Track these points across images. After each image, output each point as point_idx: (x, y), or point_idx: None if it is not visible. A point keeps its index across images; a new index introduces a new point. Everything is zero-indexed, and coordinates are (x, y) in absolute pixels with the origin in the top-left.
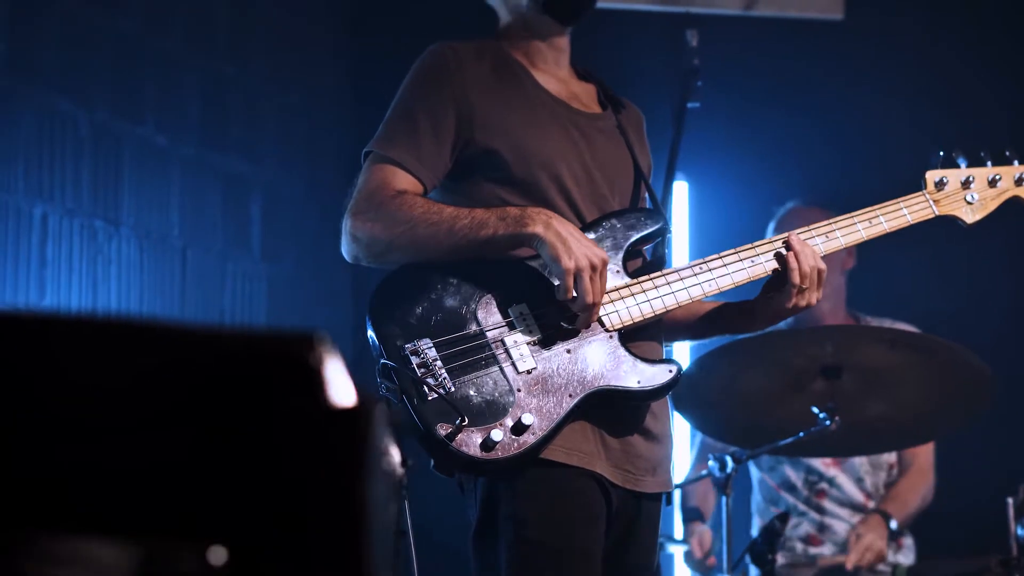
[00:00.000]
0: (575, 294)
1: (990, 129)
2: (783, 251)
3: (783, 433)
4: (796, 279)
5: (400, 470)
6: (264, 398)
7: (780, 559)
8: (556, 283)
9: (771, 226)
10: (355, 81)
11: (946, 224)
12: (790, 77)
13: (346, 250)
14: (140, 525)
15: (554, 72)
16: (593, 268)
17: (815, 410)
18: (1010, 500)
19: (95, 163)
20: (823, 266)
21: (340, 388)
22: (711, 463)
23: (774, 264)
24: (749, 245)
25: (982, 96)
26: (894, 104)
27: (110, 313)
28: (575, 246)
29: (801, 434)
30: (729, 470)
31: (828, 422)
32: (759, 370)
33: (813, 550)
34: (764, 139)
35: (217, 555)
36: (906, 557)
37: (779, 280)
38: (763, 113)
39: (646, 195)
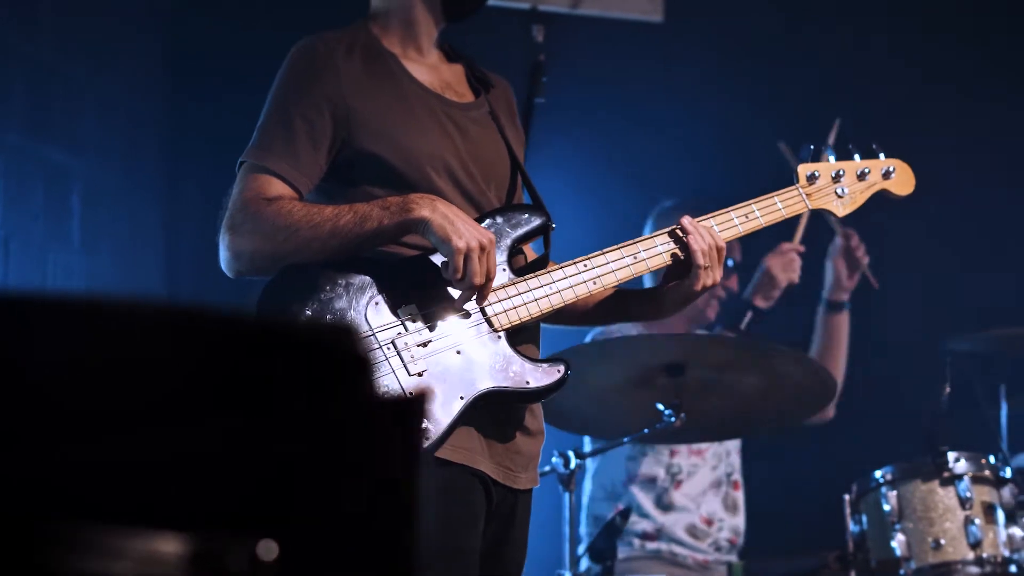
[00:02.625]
0: (463, 275)
1: (806, 127)
2: (680, 235)
3: (630, 428)
4: (700, 260)
5: None
6: (317, 389)
7: (619, 554)
8: (445, 263)
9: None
10: (173, 75)
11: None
12: (620, 76)
13: (227, 266)
14: (189, 518)
15: (426, 60)
16: (482, 248)
17: (660, 407)
18: (846, 497)
19: None
20: (722, 243)
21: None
22: (555, 459)
23: (671, 250)
24: (632, 241)
25: (797, 96)
26: (712, 104)
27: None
28: (462, 227)
29: (646, 430)
30: (573, 466)
31: (673, 419)
32: (606, 367)
33: (651, 545)
34: (594, 136)
35: (268, 550)
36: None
37: (678, 266)
38: (591, 110)
39: (522, 186)
